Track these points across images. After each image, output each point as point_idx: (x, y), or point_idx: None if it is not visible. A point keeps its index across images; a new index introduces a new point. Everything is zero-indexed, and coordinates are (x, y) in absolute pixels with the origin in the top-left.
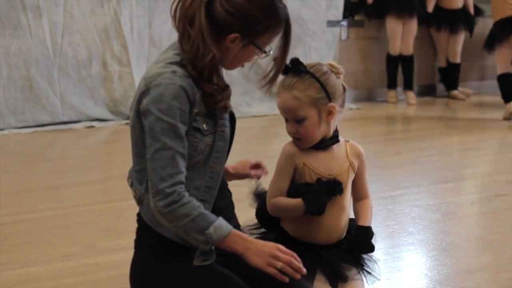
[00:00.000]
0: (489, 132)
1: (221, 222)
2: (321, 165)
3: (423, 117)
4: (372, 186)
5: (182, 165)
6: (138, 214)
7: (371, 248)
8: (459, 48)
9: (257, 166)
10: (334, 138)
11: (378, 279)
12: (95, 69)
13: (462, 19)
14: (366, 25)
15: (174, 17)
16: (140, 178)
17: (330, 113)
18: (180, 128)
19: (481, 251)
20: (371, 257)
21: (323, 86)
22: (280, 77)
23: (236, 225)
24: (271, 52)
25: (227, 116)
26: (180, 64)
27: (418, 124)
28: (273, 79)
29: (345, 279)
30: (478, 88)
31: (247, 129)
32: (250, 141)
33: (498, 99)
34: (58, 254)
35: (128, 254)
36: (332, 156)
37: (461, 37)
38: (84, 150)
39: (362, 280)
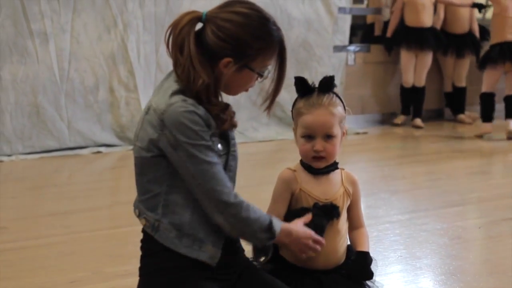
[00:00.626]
0: (495, 156)
1: (273, 218)
2: (318, 190)
3: (430, 141)
4: (379, 211)
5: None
6: (142, 242)
7: (370, 275)
8: (464, 72)
9: None
10: (335, 164)
11: None
12: (102, 95)
13: (469, 44)
14: (372, 50)
15: (167, 45)
16: (151, 205)
17: (343, 134)
18: (211, 146)
19: (489, 275)
20: (374, 283)
21: (345, 107)
22: (285, 97)
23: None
24: (270, 75)
25: (234, 135)
26: (183, 92)
27: (425, 148)
28: (271, 102)
29: None
30: None
31: (254, 154)
32: (257, 166)
33: (504, 122)
34: (65, 280)
35: (135, 280)
36: (328, 182)
37: (467, 61)
38: (91, 176)
39: None
